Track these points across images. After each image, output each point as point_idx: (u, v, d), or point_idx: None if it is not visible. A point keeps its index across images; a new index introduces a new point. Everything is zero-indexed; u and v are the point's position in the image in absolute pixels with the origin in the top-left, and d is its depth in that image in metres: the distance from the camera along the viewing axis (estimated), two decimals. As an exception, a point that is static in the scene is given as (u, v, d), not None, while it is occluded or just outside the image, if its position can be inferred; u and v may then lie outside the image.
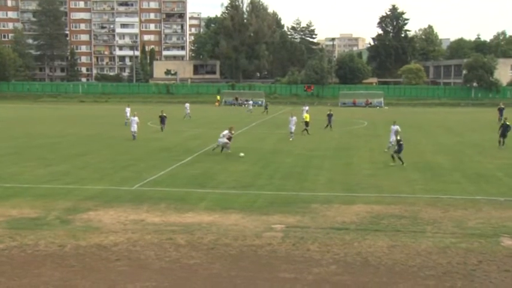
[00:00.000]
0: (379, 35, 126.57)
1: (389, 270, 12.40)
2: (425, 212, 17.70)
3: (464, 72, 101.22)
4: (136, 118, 37.84)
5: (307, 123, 42.52)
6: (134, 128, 37.32)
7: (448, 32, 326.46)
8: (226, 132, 30.63)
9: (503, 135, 33.89)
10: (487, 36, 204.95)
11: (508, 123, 33.93)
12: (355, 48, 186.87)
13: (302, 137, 39.57)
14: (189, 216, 16.98)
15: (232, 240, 14.49)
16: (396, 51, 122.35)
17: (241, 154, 29.30)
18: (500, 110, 53.04)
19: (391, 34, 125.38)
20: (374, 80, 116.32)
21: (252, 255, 13.39)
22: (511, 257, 13.40)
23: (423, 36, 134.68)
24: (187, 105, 61.21)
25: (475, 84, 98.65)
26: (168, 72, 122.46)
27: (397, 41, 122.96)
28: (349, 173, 24.94)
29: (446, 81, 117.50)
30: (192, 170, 25.29)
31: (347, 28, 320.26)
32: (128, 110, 49.97)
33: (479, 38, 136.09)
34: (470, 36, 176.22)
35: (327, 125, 45.59)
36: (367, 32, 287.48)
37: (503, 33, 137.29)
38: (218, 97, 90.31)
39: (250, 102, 76.86)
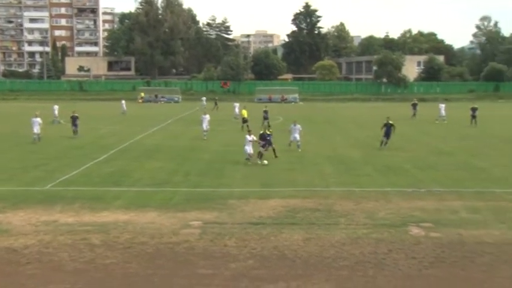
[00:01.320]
0: (293, 31, 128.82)
1: (304, 263, 12.71)
2: (339, 204, 18.28)
3: (374, 68, 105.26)
4: (38, 119, 34.06)
5: (245, 120, 41.71)
6: (36, 129, 33.79)
7: (359, 30, 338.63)
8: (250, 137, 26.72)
9: (387, 135, 31.74)
10: (395, 34, 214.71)
11: (391, 122, 32.06)
12: (270, 45, 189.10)
13: (218, 134, 39.53)
14: (104, 215, 16.57)
15: (148, 239, 14.30)
16: (310, 48, 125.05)
17: (265, 162, 26.28)
18: (414, 106, 54.92)
19: (305, 31, 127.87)
20: (289, 76, 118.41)
21: (169, 252, 13.28)
22: (418, 245, 14.14)
23: (336, 33, 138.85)
24: (123, 102, 61.37)
25: (384, 80, 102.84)
26: (81, 68, 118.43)
27: (310, 38, 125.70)
28: (266, 168, 25.27)
29: (358, 77, 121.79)
30: (107, 168, 24.66)
31: (262, 25, 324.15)
32: (56, 107, 48.72)
33: (388, 36, 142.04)
34: (380, 34, 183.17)
35: (264, 122, 42.52)
36: (282, 29, 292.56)
37: (409, 31, 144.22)
38: (142, 94, 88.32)
39: (204, 98, 75.52)
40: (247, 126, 38.55)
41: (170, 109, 68.16)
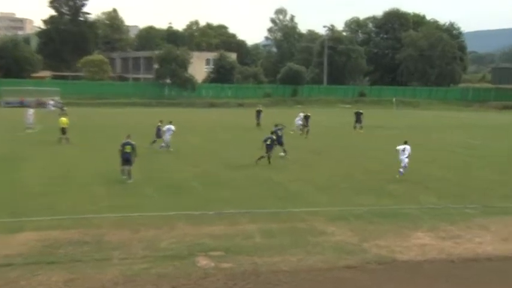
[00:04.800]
0: (51, 17, 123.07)
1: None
2: (112, 234, 18.13)
3: (155, 66, 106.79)
4: None
5: (63, 130, 41.23)
6: None
7: (136, 18, 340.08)
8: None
9: (280, 143, 35.21)
10: (180, 25, 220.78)
11: (280, 129, 35.93)
12: (20, 32, 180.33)
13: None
14: None
15: None
16: (75, 39, 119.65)
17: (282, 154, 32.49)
18: (358, 115, 55.85)
19: (67, 17, 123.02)
20: (47, 73, 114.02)
21: None
22: (206, 279, 14.65)
23: (107, 22, 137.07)
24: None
25: (168, 80, 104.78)
26: None
27: (75, 26, 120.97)
28: (17, 192, 24.08)
29: (136, 77, 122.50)
30: None
31: (8, 5, 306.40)
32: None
33: (171, 27, 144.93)
34: (162, 25, 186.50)
35: None
36: (36, 13, 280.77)
37: (196, 23, 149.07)
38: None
39: (51, 102, 73.41)
40: (67, 139, 40.52)
41: None
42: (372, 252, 17.17)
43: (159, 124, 39.96)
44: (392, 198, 24.65)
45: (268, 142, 33.16)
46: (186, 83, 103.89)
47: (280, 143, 35.48)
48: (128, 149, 26.96)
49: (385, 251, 17.25)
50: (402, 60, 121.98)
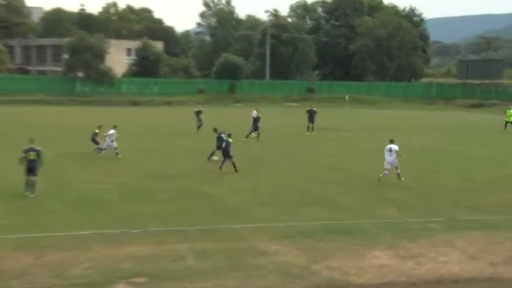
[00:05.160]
0: None
1: None
2: (11, 259, 17.79)
3: (65, 56, 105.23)
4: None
5: None
6: None
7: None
8: None
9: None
10: (94, 8, 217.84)
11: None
12: None
13: None
14: None
15: None
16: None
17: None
18: (311, 114, 54.95)
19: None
20: None
21: None
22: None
23: (3, 2, 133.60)
24: None
25: (80, 74, 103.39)
26: None
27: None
28: None
29: (41, 69, 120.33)
30: None
31: None
32: None
33: (83, 10, 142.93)
34: (72, 7, 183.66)
35: None
36: None
37: (115, 5, 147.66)
38: None
39: None
40: None
41: None
42: (323, 275, 17.33)
43: (97, 131, 40.23)
44: (345, 212, 24.99)
45: (223, 145, 34.01)
46: (102, 77, 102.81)
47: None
48: (32, 155, 26.39)
49: (337, 274, 17.43)
50: (356, 52, 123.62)
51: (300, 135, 54.33)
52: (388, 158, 31.02)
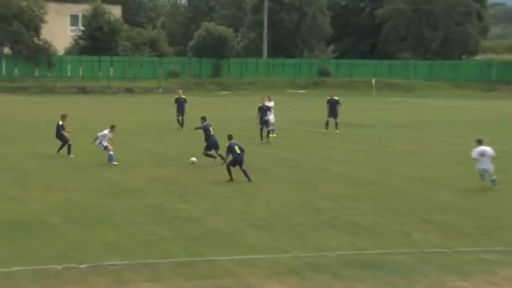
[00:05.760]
0: None
1: None
2: None
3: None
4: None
5: None
6: None
7: None
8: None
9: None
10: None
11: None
12: None
13: None
14: None
15: None
16: None
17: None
18: (333, 105, 55.31)
19: None
20: None
21: None
22: None
23: None
24: None
25: (7, 50, 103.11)
26: None
27: None
28: None
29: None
30: None
31: None
32: None
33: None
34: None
35: None
36: None
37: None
38: None
39: None
40: None
41: None
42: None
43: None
44: (371, 238, 24.92)
45: (238, 151, 34.77)
46: (37, 55, 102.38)
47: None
48: None
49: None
50: (386, 19, 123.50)
51: (310, 134, 54.39)
52: (482, 164, 30.99)
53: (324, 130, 55.04)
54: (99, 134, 40.62)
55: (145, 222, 26.83)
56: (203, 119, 40.70)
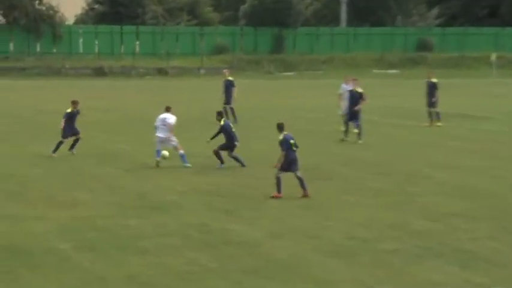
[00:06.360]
0: None
1: None
2: None
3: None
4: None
5: None
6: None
7: None
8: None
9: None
10: None
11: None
12: None
13: None
14: None
15: None
16: None
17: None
18: (431, 89, 56.44)
19: None
20: None
21: None
22: None
23: None
24: None
25: (0, 19, 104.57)
26: None
27: None
28: None
29: None
30: None
31: None
32: None
33: None
34: None
35: None
36: None
37: None
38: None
39: None
40: None
41: None
42: None
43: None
44: (492, 271, 24.76)
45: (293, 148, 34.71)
46: (39, 25, 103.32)
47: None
48: None
49: None
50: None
51: (404, 128, 54.51)
52: None
53: (426, 124, 54.94)
54: (168, 120, 41.13)
55: (183, 247, 27.02)
56: (219, 114, 41.37)
